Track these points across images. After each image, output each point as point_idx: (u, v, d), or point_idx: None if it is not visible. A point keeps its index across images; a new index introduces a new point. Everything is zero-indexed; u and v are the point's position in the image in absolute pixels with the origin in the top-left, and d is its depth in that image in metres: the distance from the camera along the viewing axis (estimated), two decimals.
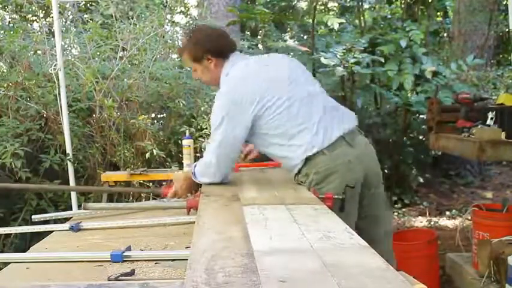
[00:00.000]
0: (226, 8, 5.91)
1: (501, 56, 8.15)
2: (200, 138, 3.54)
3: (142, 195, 3.31)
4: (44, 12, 5.12)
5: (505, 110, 2.79)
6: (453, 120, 3.09)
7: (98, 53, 3.93)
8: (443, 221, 4.75)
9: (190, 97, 4.08)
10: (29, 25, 4.71)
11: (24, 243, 2.92)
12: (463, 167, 6.05)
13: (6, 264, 1.47)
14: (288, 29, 8.18)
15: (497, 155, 2.63)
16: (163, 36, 4.12)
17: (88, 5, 5.17)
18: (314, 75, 3.93)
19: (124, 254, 1.42)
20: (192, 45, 2.01)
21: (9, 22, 4.97)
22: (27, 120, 3.28)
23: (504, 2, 6.19)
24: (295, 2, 7.87)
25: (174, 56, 4.83)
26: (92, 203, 2.42)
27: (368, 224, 1.94)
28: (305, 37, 6.87)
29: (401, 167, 5.25)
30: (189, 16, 6.74)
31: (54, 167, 3.18)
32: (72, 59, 3.75)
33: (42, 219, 2.14)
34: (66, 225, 1.88)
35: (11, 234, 2.95)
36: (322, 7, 8.05)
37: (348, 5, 7.65)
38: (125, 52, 3.76)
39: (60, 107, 3.15)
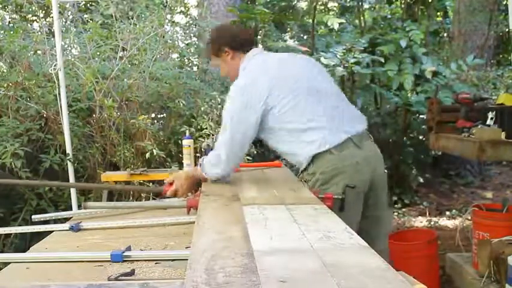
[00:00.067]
0: (226, 8, 5.91)
1: (501, 56, 8.15)
2: (200, 138, 3.54)
3: (142, 195, 3.31)
4: (44, 12, 5.12)
5: (505, 110, 2.80)
6: (453, 120, 3.09)
7: (98, 53, 3.92)
8: (443, 221, 4.75)
9: (190, 97, 4.08)
10: (29, 25, 4.70)
11: (24, 243, 2.92)
12: (463, 167, 6.06)
13: (6, 264, 1.47)
14: (288, 29, 8.18)
15: (497, 155, 2.63)
16: (163, 36, 4.12)
17: (88, 5, 5.17)
18: None
19: (124, 254, 1.42)
20: (211, 41, 2.10)
21: (9, 22, 4.97)
22: (27, 120, 3.28)
23: (504, 2, 6.19)
24: (295, 2, 7.87)
25: (174, 56, 4.83)
26: (92, 202, 2.41)
27: (370, 224, 1.95)
28: (305, 37, 6.88)
29: (401, 167, 5.25)
30: (189, 16, 6.73)
31: (54, 167, 3.18)
32: (72, 59, 3.75)
33: (42, 219, 2.14)
34: (66, 225, 1.87)
35: (11, 234, 2.95)
36: (322, 7, 8.05)
37: (348, 5, 7.65)
38: (125, 52, 3.76)
39: (60, 107, 3.15)
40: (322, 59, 4.44)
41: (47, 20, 4.94)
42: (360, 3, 6.09)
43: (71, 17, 4.79)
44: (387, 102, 5.36)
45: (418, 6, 5.97)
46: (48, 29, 4.14)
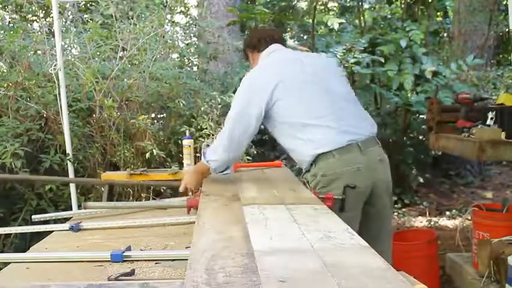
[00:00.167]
0: (226, 8, 5.92)
1: (501, 56, 8.15)
2: (200, 138, 3.54)
3: (142, 195, 3.32)
4: (44, 12, 5.12)
5: (505, 110, 2.79)
6: (453, 120, 3.09)
7: (98, 53, 3.92)
8: (443, 221, 4.75)
9: (190, 97, 4.08)
10: (29, 25, 4.70)
11: (24, 243, 2.92)
12: (463, 167, 6.06)
13: (6, 264, 1.47)
14: (288, 29, 8.18)
15: (497, 155, 2.63)
16: (163, 36, 4.12)
17: (88, 5, 5.17)
18: None
19: (124, 254, 1.42)
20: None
21: (9, 22, 4.97)
22: (27, 120, 3.28)
23: (504, 2, 6.19)
24: (295, 2, 7.87)
25: (174, 56, 4.83)
26: (92, 202, 2.41)
27: (372, 225, 1.94)
28: (305, 37, 6.88)
29: (401, 167, 5.25)
30: (189, 16, 6.73)
31: (54, 167, 3.18)
32: (72, 59, 3.74)
33: (42, 219, 2.14)
34: (66, 225, 1.87)
35: (11, 234, 2.95)
36: (322, 7, 8.05)
37: (348, 5, 7.65)
38: (125, 52, 3.76)
39: (60, 107, 3.15)
40: None
41: (47, 20, 4.94)
42: (360, 3, 6.08)
43: (71, 17, 4.79)
44: (387, 102, 5.36)
45: (418, 6, 5.96)
46: (48, 29, 4.14)
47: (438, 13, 7.55)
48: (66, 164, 3.17)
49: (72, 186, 3.15)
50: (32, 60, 3.66)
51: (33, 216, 2.15)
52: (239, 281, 0.84)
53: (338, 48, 4.70)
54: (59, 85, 3.14)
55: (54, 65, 3.10)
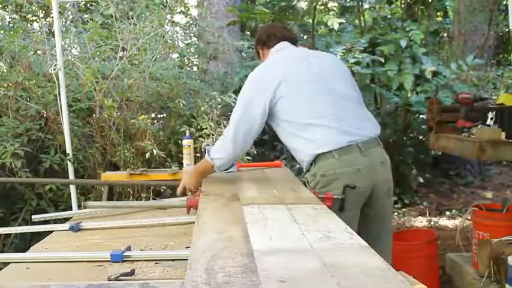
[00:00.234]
0: (226, 8, 5.91)
1: (501, 56, 8.15)
2: (200, 138, 3.54)
3: (142, 195, 3.32)
4: (44, 12, 5.12)
5: (505, 110, 2.79)
6: (453, 120, 3.09)
7: (98, 53, 3.92)
8: (443, 221, 4.75)
9: (190, 97, 4.08)
10: (29, 25, 4.70)
11: (24, 243, 2.92)
12: (463, 167, 6.06)
13: (6, 264, 1.47)
14: None
15: (497, 155, 2.63)
16: (163, 36, 4.12)
17: (88, 5, 5.17)
18: None
19: (124, 254, 1.42)
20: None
21: (9, 22, 4.97)
22: (27, 120, 3.28)
23: (504, 2, 6.19)
24: (295, 2, 7.86)
25: (174, 56, 4.83)
26: (92, 202, 2.41)
27: (371, 225, 1.94)
28: (305, 37, 6.87)
29: (401, 167, 5.25)
30: (189, 16, 6.73)
31: (54, 167, 3.18)
32: (72, 59, 3.74)
33: (42, 219, 2.14)
34: (66, 225, 1.88)
35: (11, 234, 2.95)
36: (322, 7, 8.04)
37: (348, 5, 7.65)
38: (125, 52, 3.76)
39: (60, 107, 3.15)
40: None
41: (47, 20, 4.94)
42: (360, 3, 6.09)
43: (71, 17, 4.79)
44: (387, 102, 5.36)
45: (418, 6, 5.96)
46: (48, 29, 4.14)
47: (438, 13, 7.55)
48: (66, 164, 3.17)
49: (72, 186, 3.14)
50: (32, 60, 3.66)
51: (33, 216, 2.15)
52: (239, 281, 0.84)
53: (338, 48, 4.70)
54: (59, 85, 3.14)
55: (54, 65, 3.10)
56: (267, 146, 5.05)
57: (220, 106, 3.78)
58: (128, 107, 3.65)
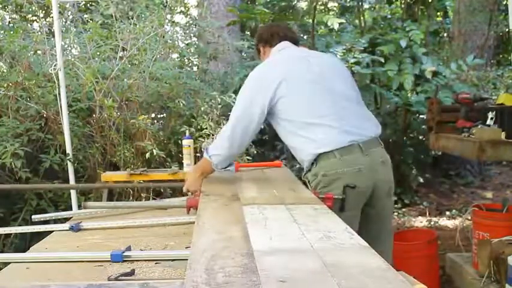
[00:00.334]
0: (226, 8, 5.91)
1: (501, 56, 8.15)
2: (200, 138, 3.54)
3: (142, 194, 3.32)
4: (44, 12, 5.12)
5: (505, 110, 2.79)
6: (453, 120, 3.09)
7: (98, 53, 3.92)
8: (443, 221, 4.75)
9: (190, 97, 4.08)
10: (29, 25, 4.70)
11: (24, 243, 2.92)
12: (463, 167, 6.06)
13: (6, 264, 1.47)
14: None
15: (497, 155, 2.63)
16: (163, 36, 4.12)
17: (88, 5, 5.17)
18: None
19: (124, 254, 1.42)
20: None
21: (9, 22, 4.97)
22: (27, 120, 3.28)
23: (504, 2, 6.19)
24: (295, 2, 7.86)
25: (174, 56, 4.83)
26: (92, 202, 2.42)
27: (372, 225, 1.93)
28: (305, 37, 6.87)
29: (401, 167, 5.25)
30: (189, 16, 6.73)
31: (54, 167, 3.18)
32: (72, 59, 3.74)
33: (42, 219, 2.14)
34: (66, 225, 1.88)
35: (11, 234, 2.95)
36: (322, 7, 8.04)
37: (348, 5, 7.65)
38: (125, 52, 3.76)
39: (60, 107, 3.15)
40: None
41: (47, 20, 4.94)
42: (360, 3, 6.09)
43: (71, 17, 4.79)
44: (387, 102, 5.36)
45: (418, 6, 5.96)
46: (48, 29, 4.14)
47: (438, 13, 7.55)
48: (66, 164, 3.17)
49: None
50: (32, 60, 3.66)
51: (33, 216, 2.15)
52: (239, 281, 0.84)
53: (338, 48, 4.70)
54: (59, 85, 3.14)
55: (54, 65, 3.10)
56: (267, 146, 5.05)
57: (220, 106, 3.78)
58: (128, 107, 3.65)
